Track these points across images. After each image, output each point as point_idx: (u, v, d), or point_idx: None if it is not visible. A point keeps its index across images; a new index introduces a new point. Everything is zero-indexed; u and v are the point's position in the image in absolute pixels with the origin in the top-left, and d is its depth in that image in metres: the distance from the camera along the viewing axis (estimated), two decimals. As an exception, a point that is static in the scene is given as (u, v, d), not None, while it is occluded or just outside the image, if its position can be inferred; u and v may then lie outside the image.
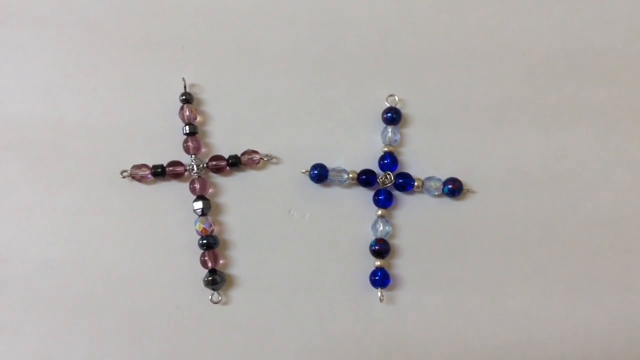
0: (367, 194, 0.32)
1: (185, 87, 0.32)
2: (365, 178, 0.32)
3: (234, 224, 0.32)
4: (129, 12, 0.33)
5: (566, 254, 0.32)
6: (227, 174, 0.33)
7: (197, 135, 0.32)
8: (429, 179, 0.32)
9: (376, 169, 0.32)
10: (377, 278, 0.31)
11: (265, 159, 0.32)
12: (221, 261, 0.32)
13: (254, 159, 0.32)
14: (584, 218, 0.32)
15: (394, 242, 0.32)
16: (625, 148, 0.33)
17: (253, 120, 0.33)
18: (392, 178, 0.32)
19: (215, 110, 0.33)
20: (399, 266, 0.32)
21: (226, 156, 0.32)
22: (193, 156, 0.32)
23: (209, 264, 0.31)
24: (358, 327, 0.32)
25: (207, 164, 0.32)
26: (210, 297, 0.31)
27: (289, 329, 0.32)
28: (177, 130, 0.32)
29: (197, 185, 0.31)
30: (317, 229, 0.32)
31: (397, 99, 0.33)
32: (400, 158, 0.33)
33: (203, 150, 0.32)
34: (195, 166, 0.32)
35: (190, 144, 0.32)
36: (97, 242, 0.32)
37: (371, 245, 0.32)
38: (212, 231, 0.31)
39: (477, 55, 0.33)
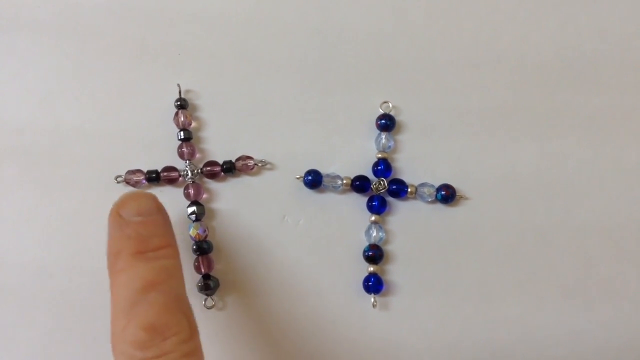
0: (361, 200, 0.33)
1: (180, 93, 0.32)
2: (359, 184, 0.32)
3: (228, 229, 0.32)
4: (125, 19, 0.33)
5: (559, 261, 0.32)
6: (222, 180, 0.33)
7: (191, 141, 0.32)
8: (423, 185, 0.32)
9: (370, 175, 0.32)
10: (370, 284, 0.31)
11: (260, 164, 0.32)
12: (215, 266, 0.32)
13: (249, 164, 0.32)
14: (578, 225, 0.33)
15: (388, 248, 0.32)
16: (619, 156, 0.33)
17: (248, 127, 0.33)
18: (386, 184, 0.32)
19: (210, 116, 0.33)
20: (393, 272, 0.32)
21: (220, 162, 0.32)
22: (187, 162, 0.32)
23: (203, 269, 0.31)
24: (351, 333, 0.32)
25: (201, 169, 0.32)
26: (203, 302, 0.31)
27: (282, 334, 0.32)
28: (171, 136, 0.32)
29: (192, 191, 0.32)
30: (311, 234, 0.32)
31: (391, 105, 0.33)
32: (394, 164, 0.33)
33: (197, 155, 0.32)
34: (189, 172, 0.32)
35: (184, 149, 0.32)
36: (92, 247, 0.32)
37: (365, 251, 0.32)
38: (206, 236, 0.31)
39: (471, 63, 0.34)
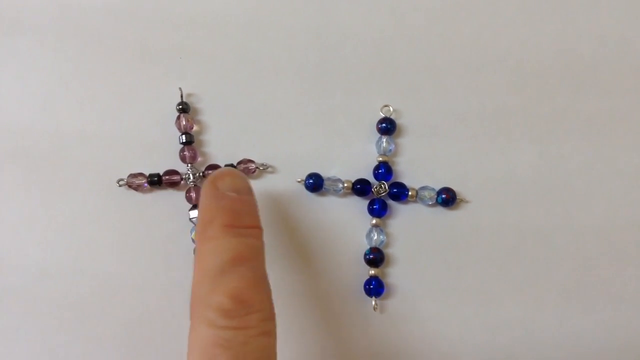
0: (362, 203, 0.33)
1: (182, 97, 0.32)
2: (360, 187, 0.32)
3: (230, 232, 0.32)
4: (126, 23, 0.33)
5: (559, 263, 0.32)
6: (223, 183, 0.33)
7: (193, 144, 0.32)
8: (423, 188, 0.32)
9: (371, 178, 0.32)
10: (371, 287, 0.31)
11: (261, 168, 0.32)
12: (217, 269, 0.32)
13: (250, 168, 0.32)
14: (577, 228, 0.33)
15: (388, 251, 0.32)
16: (618, 159, 0.33)
17: (249, 130, 0.33)
18: (387, 187, 0.32)
19: (212, 119, 0.33)
20: (393, 275, 0.32)
21: (222, 165, 0.32)
22: (189, 165, 0.32)
23: (205, 273, 0.31)
24: (352, 336, 0.32)
25: (203, 173, 0.32)
26: (205, 305, 0.31)
27: (283, 337, 0.32)
28: (173, 140, 0.32)
29: (193, 194, 0.32)
30: (312, 237, 0.32)
31: (391, 109, 0.33)
32: (394, 168, 0.33)
33: (199, 159, 0.33)
34: (191, 175, 0.32)
35: (186, 153, 0.32)
36: (94, 250, 0.32)
37: (366, 254, 0.32)
38: (208, 240, 0.32)
39: (471, 66, 0.34)
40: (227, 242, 0.24)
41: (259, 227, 0.26)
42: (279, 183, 0.33)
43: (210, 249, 0.24)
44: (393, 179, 0.33)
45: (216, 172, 0.26)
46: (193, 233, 0.31)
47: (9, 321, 0.31)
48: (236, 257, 0.24)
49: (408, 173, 0.33)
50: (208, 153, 0.33)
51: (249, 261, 0.24)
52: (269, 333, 0.24)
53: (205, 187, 0.26)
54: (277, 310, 0.32)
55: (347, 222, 0.32)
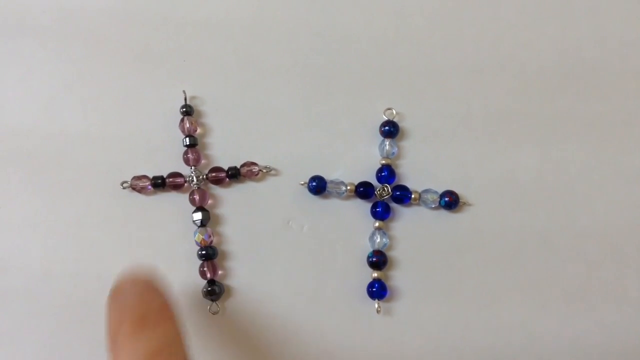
0: (365, 206, 0.33)
1: (185, 100, 0.33)
2: (363, 190, 0.32)
3: (233, 235, 0.32)
4: (130, 25, 0.34)
5: (562, 266, 0.32)
6: (227, 186, 0.33)
7: (197, 147, 0.32)
8: (426, 191, 0.32)
9: (374, 181, 0.33)
10: (374, 290, 0.31)
11: (264, 170, 0.32)
12: (220, 272, 0.32)
13: (253, 170, 0.32)
14: (579, 230, 0.33)
15: (391, 253, 0.32)
16: (620, 161, 0.33)
17: (252, 132, 0.33)
18: (390, 190, 0.32)
19: (215, 122, 0.33)
20: (396, 278, 0.32)
21: (225, 168, 0.32)
22: (193, 168, 0.32)
23: (208, 275, 0.31)
24: (355, 339, 0.32)
25: (206, 175, 0.32)
26: (208, 307, 0.31)
27: (287, 340, 0.32)
28: (177, 142, 0.32)
29: (197, 197, 0.32)
30: (315, 240, 0.32)
31: (394, 112, 0.33)
32: (397, 171, 0.33)
33: (203, 161, 0.33)
34: (194, 177, 0.32)
35: (190, 155, 0.32)
36: (97, 252, 0.32)
37: (368, 257, 0.32)
38: (211, 242, 0.32)
39: (473, 69, 0.34)
40: (139, 347, 0.24)
41: (169, 319, 0.25)
42: (282, 185, 0.33)
43: (123, 356, 0.24)
44: (396, 182, 0.33)
45: (115, 283, 0.26)
46: (196, 235, 0.31)
47: (12, 322, 0.31)
48: (150, 356, 0.23)
49: (411, 176, 0.33)
50: (211, 155, 0.33)
51: (165, 354, 0.24)
52: None
53: (107, 301, 0.25)
54: (278, 311, 0.32)
55: (350, 224, 0.33)
